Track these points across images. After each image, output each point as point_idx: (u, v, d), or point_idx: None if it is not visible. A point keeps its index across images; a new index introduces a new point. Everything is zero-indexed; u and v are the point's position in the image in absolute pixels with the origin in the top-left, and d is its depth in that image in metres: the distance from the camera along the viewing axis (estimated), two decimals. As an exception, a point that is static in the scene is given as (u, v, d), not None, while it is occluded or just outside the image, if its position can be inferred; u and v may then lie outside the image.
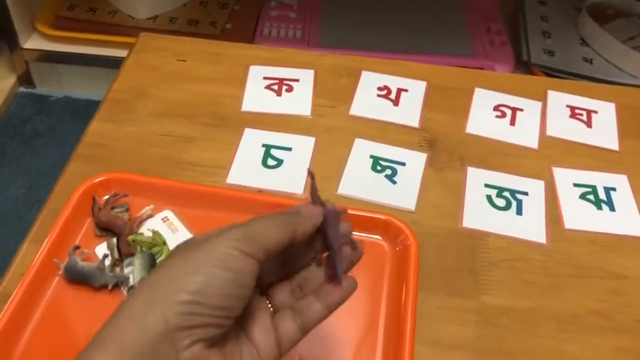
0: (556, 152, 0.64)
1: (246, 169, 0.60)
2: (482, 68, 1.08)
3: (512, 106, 0.69)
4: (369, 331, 0.48)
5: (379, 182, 0.60)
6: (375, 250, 0.53)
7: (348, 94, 0.69)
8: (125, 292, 0.49)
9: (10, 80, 1.53)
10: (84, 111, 1.49)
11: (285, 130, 0.65)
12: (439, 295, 0.51)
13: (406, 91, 0.70)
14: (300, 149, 0.63)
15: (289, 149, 0.63)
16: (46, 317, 0.48)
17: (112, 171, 0.57)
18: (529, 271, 0.53)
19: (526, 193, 0.60)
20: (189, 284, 0.31)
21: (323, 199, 0.37)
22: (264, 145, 0.63)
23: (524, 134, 0.66)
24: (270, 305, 0.37)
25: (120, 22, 1.40)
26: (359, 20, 1.29)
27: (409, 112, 0.67)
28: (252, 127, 0.65)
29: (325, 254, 0.38)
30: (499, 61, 1.17)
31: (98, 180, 0.55)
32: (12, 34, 1.41)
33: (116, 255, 0.51)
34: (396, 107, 0.68)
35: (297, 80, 0.70)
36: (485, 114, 0.68)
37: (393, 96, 0.69)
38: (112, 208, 0.54)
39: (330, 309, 0.37)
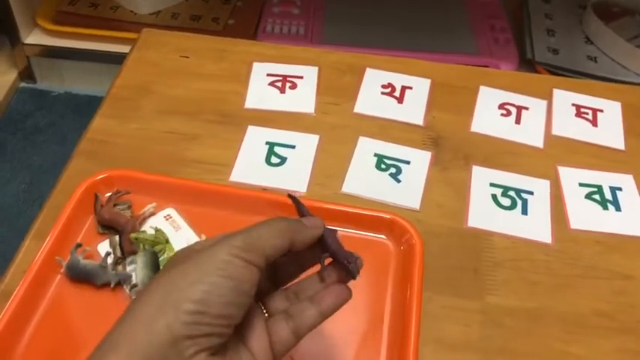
0: (561, 151, 0.64)
1: (249, 167, 0.60)
2: (486, 66, 1.07)
3: (517, 104, 0.69)
4: (373, 330, 0.48)
5: (383, 181, 0.60)
6: (380, 250, 0.53)
7: (352, 92, 0.69)
8: (127, 291, 0.48)
9: (11, 75, 1.53)
10: (85, 107, 1.49)
11: (288, 127, 0.64)
12: (444, 295, 0.51)
13: (410, 88, 0.70)
14: (304, 147, 0.62)
15: (293, 147, 0.62)
16: (48, 315, 0.47)
17: (114, 168, 0.56)
18: (534, 271, 0.53)
19: (531, 193, 0.59)
20: (193, 293, 0.31)
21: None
22: (267, 143, 0.62)
23: (530, 133, 0.65)
24: (265, 311, 0.37)
25: (122, 17, 1.40)
26: (362, 17, 1.29)
27: (413, 110, 0.67)
28: (256, 125, 0.64)
29: (328, 261, 0.38)
30: (503, 59, 1.17)
31: (100, 177, 0.55)
32: (13, 29, 1.40)
33: (118, 253, 0.50)
34: (400, 105, 0.68)
35: (301, 77, 0.70)
36: (490, 112, 0.67)
37: (397, 94, 0.69)
38: (115, 205, 0.53)
39: (324, 315, 0.37)
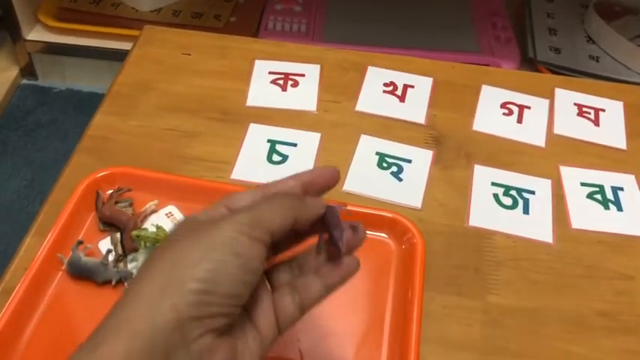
0: (563, 151, 0.64)
1: (251, 165, 0.60)
2: (487, 65, 1.07)
3: (519, 103, 0.68)
4: (374, 329, 0.48)
5: (385, 179, 0.59)
6: (381, 248, 0.53)
7: (353, 90, 0.68)
8: (129, 288, 0.48)
9: (13, 72, 1.53)
10: (87, 103, 1.49)
11: (290, 125, 0.64)
12: (445, 294, 0.51)
13: (412, 87, 0.69)
14: (306, 145, 0.62)
15: (294, 145, 0.62)
16: (49, 312, 0.47)
17: (115, 165, 0.56)
18: (536, 270, 0.53)
19: (533, 192, 0.59)
20: (199, 272, 0.30)
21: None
22: (269, 141, 0.62)
23: (532, 132, 0.65)
24: (268, 284, 0.36)
25: (123, 14, 1.39)
26: (363, 15, 1.29)
27: (415, 109, 0.67)
28: (258, 123, 0.64)
29: (326, 237, 0.37)
30: (505, 58, 1.16)
31: (102, 174, 0.55)
32: (15, 26, 1.40)
33: (120, 250, 0.50)
34: (402, 103, 0.67)
35: (303, 75, 0.70)
36: (492, 111, 0.67)
37: (399, 92, 0.69)
38: (116, 202, 0.53)
39: (330, 289, 0.36)
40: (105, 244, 0.51)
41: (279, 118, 0.65)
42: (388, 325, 0.48)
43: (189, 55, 0.71)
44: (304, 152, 0.61)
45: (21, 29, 1.41)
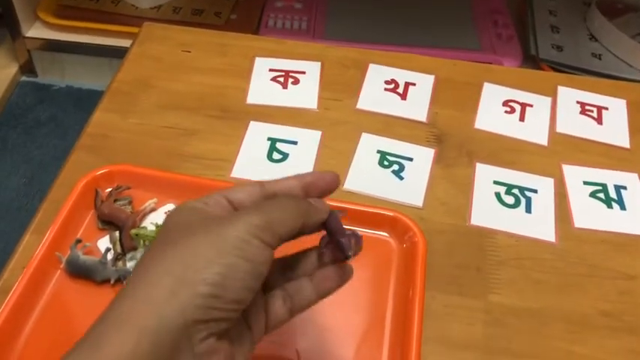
0: (566, 149, 0.63)
1: (251, 163, 0.59)
2: (489, 62, 1.06)
3: (521, 101, 0.68)
4: (375, 329, 0.47)
5: (386, 178, 0.59)
6: (382, 247, 0.53)
7: (354, 88, 0.68)
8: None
9: (12, 69, 1.52)
10: (86, 101, 1.48)
11: (290, 123, 0.63)
12: (446, 294, 0.50)
13: (414, 85, 0.69)
14: (306, 143, 0.62)
15: (295, 143, 0.62)
16: (47, 311, 0.47)
17: (114, 163, 0.56)
18: (538, 270, 0.53)
19: (535, 191, 0.59)
20: (209, 275, 0.29)
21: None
22: (269, 139, 0.62)
23: (534, 130, 0.65)
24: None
25: (123, 11, 1.39)
26: (364, 13, 1.28)
27: (417, 107, 0.66)
28: (258, 120, 0.64)
29: (325, 242, 0.37)
30: (506, 56, 1.16)
31: (101, 172, 0.54)
32: (14, 23, 1.40)
33: (119, 249, 0.50)
34: (403, 101, 0.67)
35: (304, 72, 0.69)
36: (494, 109, 0.67)
37: (400, 90, 0.68)
38: (115, 200, 0.53)
39: (322, 295, 0.36)
40: (104, 243, 0.51)
41: (279, 115, 0.64)
42: (389, 325, 0.48)
43: (189, 52, 0.71)
44: (305, 150, 0.61)
45: (20, 26, 1.41)
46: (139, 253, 0.49)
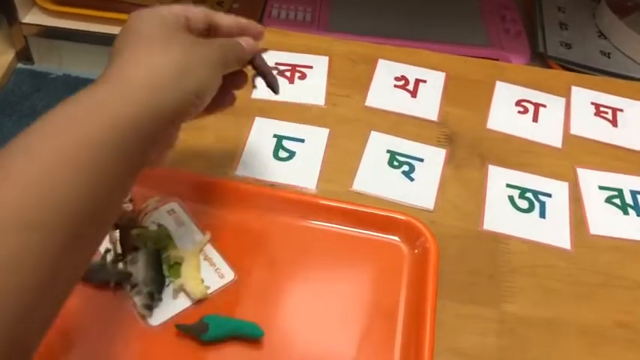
0: (580, 152, 0.62)
1: (256, 161, 0.57)
2: (496, 59, 1.04)
3: (534, 101, 0.66)
4: (386, 337, 0.46)
5: (396, 178, 0.57)
6: (393, 252, 0.51)
7: (363, 84, 0.66)
8: (128, 291, 0.46)
9: (9, 56, 1.49)
10: None
11: (297, 119, 0.61)
12: (458, 302, 0.49)
13: (424, 82, 0.67)
14: (313, 141, 0.60)
15: (302, 141, 0.60)
16: (44, 315, 0.45)
17: (115, 159, 0.54)
18: (552, 278, 0.51)
19: (549, 195, 0.57)
20: (192, 84, 0.38)
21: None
22: (275, 136, 0.60)
23: (548, 132, 0.63)
24: None
25: (123, -2, 1.36)
26: (369, 5, 1.25)
27: (427, 105, 0.64)
28: (263, 116, 0.61)
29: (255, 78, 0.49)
30: (514, 52, 1.13)
31: (101, 168, 0.52)
32: (11, 8, 1.36)
33: (118, 250, 0.48)
34: (413, 99, 0.65)
35: (311, 67, 0.67)
36: (506, 109, 0.65)
37: (410, 87, 0.66)
38: (115, 199, 0.51)
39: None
40: (103, 243, 0.49)
41: (285, 111, 0.62)
42: (400, 334, 0.46)
43: (193, 43, 0.68)
44: (312, 149, 0.59)
45: (17, 12, 1.37)
46: (140, 256, 0.47)
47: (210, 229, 0.51)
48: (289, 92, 0.64)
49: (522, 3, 1.27)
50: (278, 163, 0.57)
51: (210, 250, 0.50)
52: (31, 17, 1.40)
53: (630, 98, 0.68)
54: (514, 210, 0.56)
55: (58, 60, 1.51)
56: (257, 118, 0.61)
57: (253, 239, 0.51)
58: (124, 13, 1.30)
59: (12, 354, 0.29)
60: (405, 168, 0.58)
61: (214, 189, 0.53)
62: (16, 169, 0.29)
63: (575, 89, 0.68)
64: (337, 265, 0.50)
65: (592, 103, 0.67)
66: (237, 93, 0.49)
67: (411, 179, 0.57)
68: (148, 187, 0.52)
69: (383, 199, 0.55)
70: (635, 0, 1.24)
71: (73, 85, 1.49)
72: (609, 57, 1.16)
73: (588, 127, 0.64)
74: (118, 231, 0.49)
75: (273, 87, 0.49)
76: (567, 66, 1.15)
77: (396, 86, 0.66)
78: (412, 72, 0.68)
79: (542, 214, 0.55)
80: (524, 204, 0.56)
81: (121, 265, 0.47)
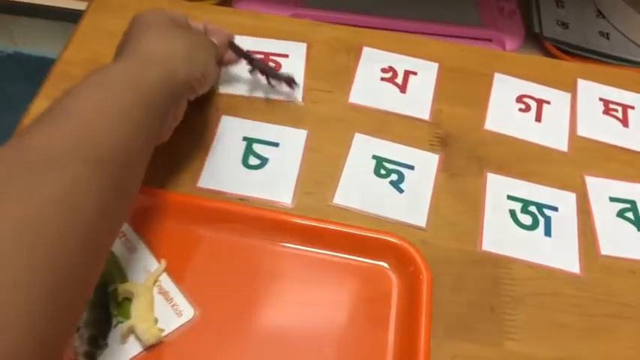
0: (588, 156, 0.55)
1: (222, 170, 0.50)
2: (489, 39, 0.95)
3: (537, 97, 0.59)
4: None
5: (383, 190, 0.50)
6: (380, 281, 0.44)
7: (346, 76, 0.58)
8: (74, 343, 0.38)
9: (-44, 28, 1.37)
10: (38, 70, 1.33)
11: (270, 119, 0.54)
12: (454, 340, 0.42)
13: (415, 74, 0.59)
14: (289, 145, 0.52)
15: (276, 145, 0.52)
16: None
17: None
18: (561, 309, 0.45)
19: (555, 209, 0.50)
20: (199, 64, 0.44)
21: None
22: (245, 139, 0.52)
23: (552, 133, 0.56)
24: None
25: (82, -34, 1.24)
26: (352, -23, 1.16)
27: (418, 102, 0.57)
28: (231, 115, 0.53)
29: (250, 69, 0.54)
30: (508, 32, 1.04)
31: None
32: (-43, -25, 1.24)
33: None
34: (403, 95, 0.57)
35: (287, 56, 0.59)
36: (506, 106, 0.58)
37: (399, 80, 0.59)
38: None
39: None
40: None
41: (256, 109, 0.54)
42: (388, 383, 0.40)
43: (151, 27, 0.60)
44: (287, 154, 0.51)
45: (-35, -21, 1.25)
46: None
47: (167, 256, 0.43)
48: (261, 86, 0.56)
49: (515, -23, 1.19)
50: (248, 172, 0.50)
51: (167, 282, 0.42)
52: (-18, -15, 1.27)
53: (641, 93, 0.61)
54: (516, 227, 0.49)
55: (8, 36, 1.38)
56: (223, 117, 0.53)
57: (218, 267, 0.44)
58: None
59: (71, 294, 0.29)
60: (394, 177, 0.51)
61: (171, 206, 0.45)
62: (75, 105, 0.34)
63: (581, 83, 0.61)
64: (316, 296, 0.43)
65: (600, 99, 0.60)
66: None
67: (400, 190, 0.50)
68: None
69: (368, 214, 0.48)
70: (635, -24, 1.17)
71: (26, 64, 1.37)
72: (608, 38, 1.08)
73: (597, 127, 0.58)
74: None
75: (290, 83, 0.54)
76: (564, 48, 1.07)
77: (382, 79, 0.58)
78: (401, 62, 0.60)
79: (548, 232, 0.49)
80: (527, 220, 0.50)
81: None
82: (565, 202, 0.51)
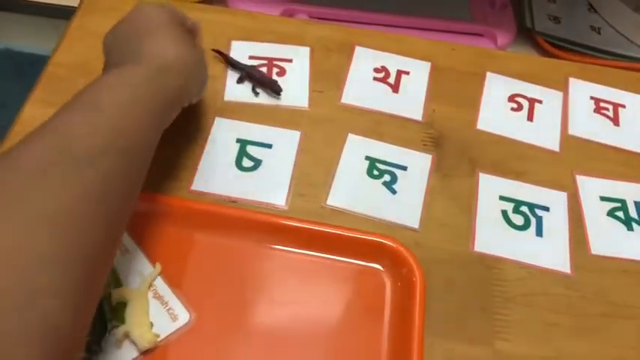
0: (580, 156, 0.55)
1: (215, 172, 0.50)
2: (481, 34, 0.95)
3: (529, 96, 0.59)
4: (365, 390, 0.40)
5: (376, 191, 0.50)
6: (374, 282, 0.44)
7: (338, 76, 0.58)
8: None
9: (-57, 25, 1.36)
10: (27, 67, 1.32)
11: (263, 120, 0.54)
12: (447, 340, 0.43)
13: (407, 73, 0.59)
14: (283, 146, 0.52)
15: (269, 146, 0.52)
16: None
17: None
18: (552, 309, 0.45)
19: (547, 209, 0.51)
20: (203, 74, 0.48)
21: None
22: (239, 141, 0.52)
23: (544, 132, 0.57)
24: None
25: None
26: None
27: (411, 102, 0.57)
28: (224, 117, 0.53)
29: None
30: (500, 27, 1.04)
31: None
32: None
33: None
34: (395, 95, 0.58)
35: (290, 61, 0.58)
36: (498, 105, 0.58)
37: (392, 79, 0.59)
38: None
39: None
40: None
41: (249, 111, 0.54)
42: (382, 385, 0.40)
43: (143, 27, 0.59)
44: (281, 156, 0.51)
45: (-48, -24, 1.24)
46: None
47: (161, 260, 0.43)
48: (264, 94, 0.56)
49: (507, -29, 1.19)
50: (241, 174, 0.50)
51: (161, 286, 0.43)
52: (-30, -19, 1.26)
53: (633, 92, 0.61)
54: (508, 227, 0.49)
55: (-2, 33, 1.38)
56: (217, 119, 0.53)
57: (212, 270, 0.44)
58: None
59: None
60: (387, 178, 0.51)
61: (165, 210, 0.45)
62: (105, 101, 0.38)
63: (573, 82, 0.62)
64: (310, 298, 0.44)
65: (591, 98, 0.60)
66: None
67: (393, 192, 0.50)
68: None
69: (361, 216, 0.48)
70: (627, -30, 1.17)
71: (16, 61, 1.36)
72: (600, 33, 1.08)
73: (587, 126, 0.58)
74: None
75: (276, 91, 0.55)
76: (556, 43, 1.07)
77: (375, 79, 0.58)
78: (393, 62, 0.60)
79: (539, 232, 0.49)
80: (519, 220, 0.50)
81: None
82: (556, 201, 0.52)
